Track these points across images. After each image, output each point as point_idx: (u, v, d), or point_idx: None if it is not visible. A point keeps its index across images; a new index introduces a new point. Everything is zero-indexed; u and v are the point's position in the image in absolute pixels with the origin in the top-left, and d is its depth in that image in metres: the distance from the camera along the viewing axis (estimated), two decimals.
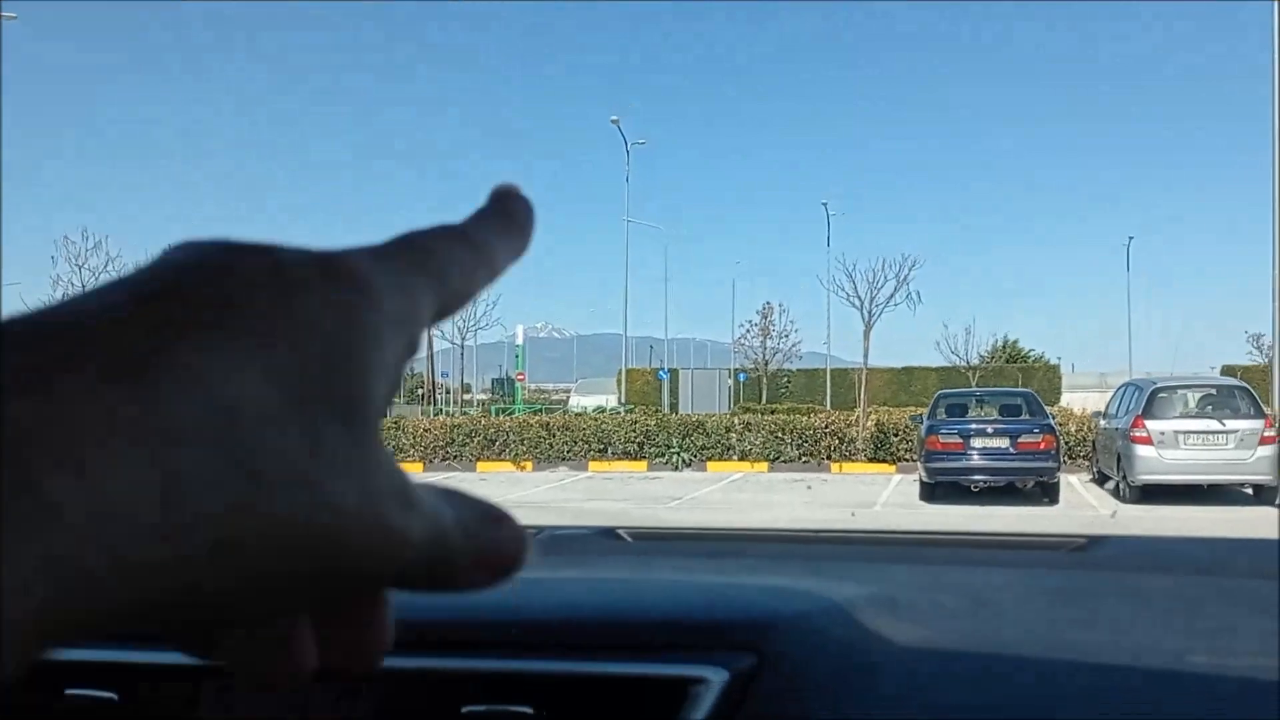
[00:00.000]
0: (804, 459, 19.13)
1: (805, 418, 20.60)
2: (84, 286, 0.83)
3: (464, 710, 0.93)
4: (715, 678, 0.90)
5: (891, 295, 22.77)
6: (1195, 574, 1.28)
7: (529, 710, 0.93)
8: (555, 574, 1.24)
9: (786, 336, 50.18)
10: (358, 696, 0.97)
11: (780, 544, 1.64)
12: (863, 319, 22.53)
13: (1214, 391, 14.02)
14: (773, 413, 24.35)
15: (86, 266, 27.10)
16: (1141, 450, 13.10)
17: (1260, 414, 13.38)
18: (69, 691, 1.01)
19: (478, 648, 0.98)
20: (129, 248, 32.69)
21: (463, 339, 39.51)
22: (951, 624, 1.06)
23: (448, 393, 56.17)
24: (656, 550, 1.56)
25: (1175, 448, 13.04)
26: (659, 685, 0.92)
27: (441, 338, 41.11)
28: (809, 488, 16.28)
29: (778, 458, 19.24)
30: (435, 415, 28.27)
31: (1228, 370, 38.87)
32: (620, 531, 1.53)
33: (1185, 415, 13.42)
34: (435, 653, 0.95)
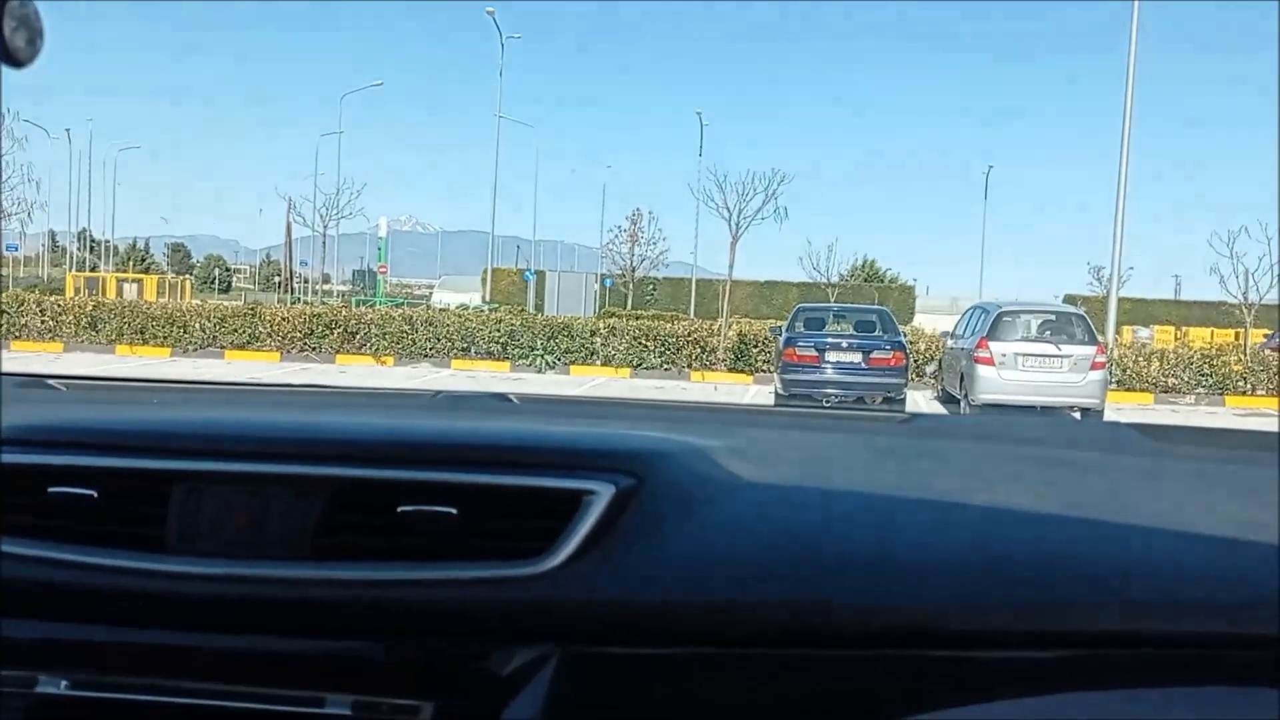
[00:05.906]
0: (665, 366, 19.39)
1: (669, 325, 20.80)
2: None
3: (399, 509, 1.12)
4: (603, 491, 1.12)
5: (760, 209, 22.96)
6: (985, 440, 1.54)
7: (453, 510, 1.12)
8: (460, 421, 1.42)
9: (654, 244, 50.15)
10: (311, 500, 1.13)
11: (649, 409, 1.85)
12: (730, 230, 22.71)
13: (1053, 318, 14.72)
14: (638, 319, 24.50)
15: None
16: (983, 370, 13.73)
17: (1094, 341, 14.15)
18: (51, 490, 1.15)
19: (409, 462, 1.15)
20: (33, 134, 30.26)
21: (324, 227, 38.01)
22: (790, 469, 1.26)
23: (306, 282, 54.40)
24: (543, 411, 1.73)
25: (1014, 369, 13.70)
26: (557, 495, 1.12)
27: (301, 224, 39.55)
28: (683, 389, 16.55)
29: (640, 364, 19.43)
30: (293, 304, 27.45)
31: (1070, 299, 40.87)
32: (510, 395, 1.68)
33: (1026, 339, 14.10)
34: (375, 465, 1.15)
